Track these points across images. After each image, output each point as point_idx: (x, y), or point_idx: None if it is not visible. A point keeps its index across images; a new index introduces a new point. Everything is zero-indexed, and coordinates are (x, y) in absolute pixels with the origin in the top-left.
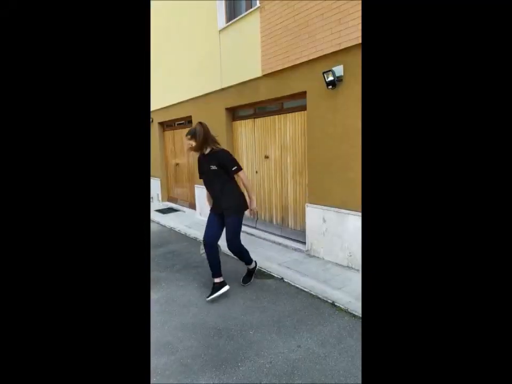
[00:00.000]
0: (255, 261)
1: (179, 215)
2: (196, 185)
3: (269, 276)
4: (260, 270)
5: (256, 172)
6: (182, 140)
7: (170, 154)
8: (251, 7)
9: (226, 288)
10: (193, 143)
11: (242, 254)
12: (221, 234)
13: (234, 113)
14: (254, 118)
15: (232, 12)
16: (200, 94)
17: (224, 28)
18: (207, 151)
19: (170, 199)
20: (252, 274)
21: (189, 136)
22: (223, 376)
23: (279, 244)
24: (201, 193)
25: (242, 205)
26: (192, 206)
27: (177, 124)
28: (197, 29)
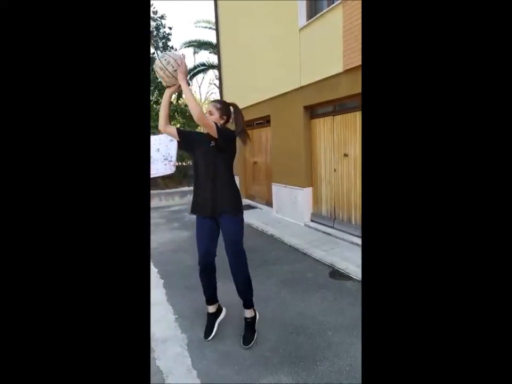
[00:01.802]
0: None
1: (256, 212)
2: (273, 183)
3: (347, 277)
4: (338, 271)
5: (335, 170)
6: (259, 139)
7: (249, 153)
8: (333, 3)
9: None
10: (218, 117)
11: (249, 283)
12: (216, 247)
13: (313, 111)
14: (333, 115)
15: (313, 10)
16: (279, 93)
17: (304, 26)
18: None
19: (248, 196)
20: (254, 326)
21: (219, 106)
22: (302, 373)
23: (358, 244)
24: (278, 191)
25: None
26: (269, 203)
27: (256, 124)
28: (277, 29)
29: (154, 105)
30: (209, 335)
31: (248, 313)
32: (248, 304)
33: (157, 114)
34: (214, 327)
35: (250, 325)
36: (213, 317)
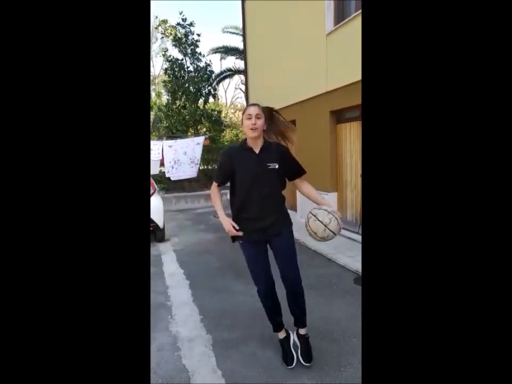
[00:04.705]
0: None
1: None
2: None
3: None
4: None
5: (361, 176)
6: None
7: None
8: (361, 7)
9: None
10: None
11: (304, 303)
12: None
13: (339, 116)
14: (360, 120)
15: (341, 14)
16: (305, 98)
17: (331, 31)
18: (259, 145)
19: None
20: (309, 342)
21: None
22: (326, 377)
23: None
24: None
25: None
26: (293, 208)
27: None
28: (304, 35)
29: (182, 110)
30: (293, 362)
31: (304, 331)
32: (302, 321)
33: (184, 118)
34: (292, 352)
35: (305, 339)
36: (286, 342)
